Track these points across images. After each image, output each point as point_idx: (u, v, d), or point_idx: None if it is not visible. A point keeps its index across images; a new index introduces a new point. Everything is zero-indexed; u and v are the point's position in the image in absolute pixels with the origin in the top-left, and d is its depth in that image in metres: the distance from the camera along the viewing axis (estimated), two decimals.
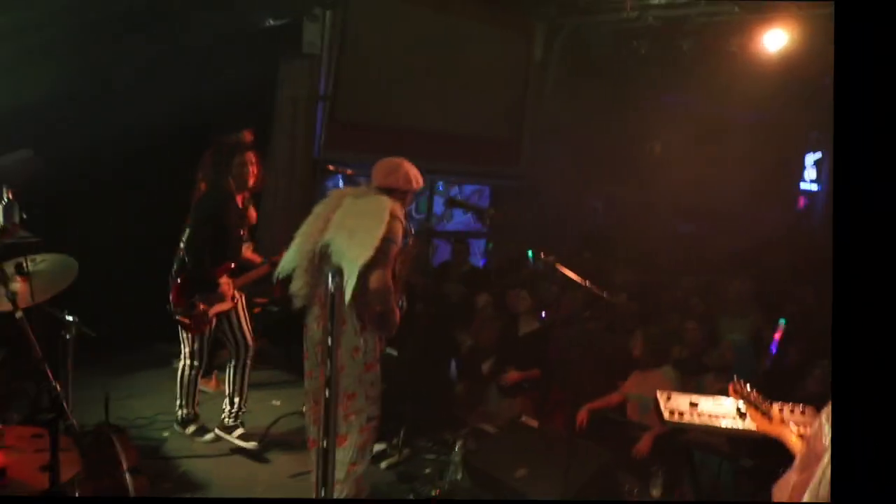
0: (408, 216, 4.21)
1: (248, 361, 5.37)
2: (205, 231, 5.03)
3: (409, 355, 5.81)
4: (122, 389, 5.82)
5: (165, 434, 5.39)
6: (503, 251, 9.60)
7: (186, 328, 5.17)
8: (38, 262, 3.46)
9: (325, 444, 2.31)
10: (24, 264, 3.32)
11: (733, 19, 8.19)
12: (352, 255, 3.84)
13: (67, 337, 3.81)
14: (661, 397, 3.70)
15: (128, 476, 3.46)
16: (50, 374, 2.48)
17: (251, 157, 5.17)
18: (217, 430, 5.31)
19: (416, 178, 4.28)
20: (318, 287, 4.15)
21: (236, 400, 5.35)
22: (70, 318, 3.83)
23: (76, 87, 5.69)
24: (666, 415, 3.63)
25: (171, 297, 5.11)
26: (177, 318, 5.11)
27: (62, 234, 4.36)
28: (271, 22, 6.85)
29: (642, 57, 9.23)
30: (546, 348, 6.08)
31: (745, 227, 10.53)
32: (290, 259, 4.17)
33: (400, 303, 4.20)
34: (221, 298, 5.14)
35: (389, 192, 4.15)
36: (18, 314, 2.71)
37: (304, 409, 5.77)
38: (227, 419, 5.34)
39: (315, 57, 7.43)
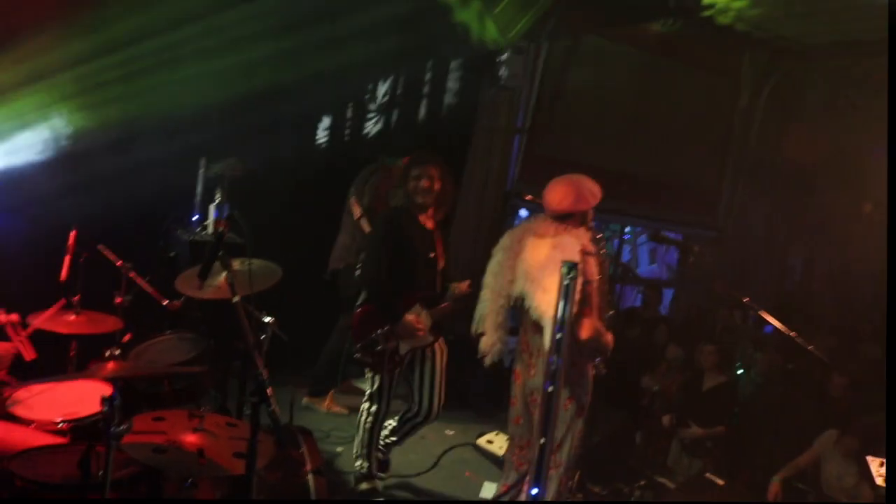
0: (593, 236, 3.96)
1: (423, 427, 4.72)
2: (380, 252, 4.47)
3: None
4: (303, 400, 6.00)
5: (339, 450, 5.45)
6: (691, 302, 9.15)
7: (369, 366, 4.53)
8: (246, 264, 3.53)
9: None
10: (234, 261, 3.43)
11: None
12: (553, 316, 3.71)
13: (262, 337, 3.90)
14: (873, 463, 3.42)
15: (311, 476, 3.50)
16: (259, 361, 2.52)
17: (429, 170, 4.49)
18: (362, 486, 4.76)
19: (592, 192, 3.98)
20: (525, 334, 4.06)
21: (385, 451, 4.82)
22: (268, 319, 3.91)
23: (283, 102, 5.96)
24: (879, 480, 3.33)
25: (352, 330, 4.61)
26: (356, 355, 4.51)
27: (263, 241, 4.56)
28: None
29: (858, 107, 8.59)
30: (731, 404, 5.73)
31: None
32: (483, 315, 4.09)
33: (607, 318, 4.01)
34: (410, 333, 4.44)
35: (567, 217, 3.95)
36: (235, 298, 2.79)
37: (477, 439, 5.77)
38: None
39: (516, 89, 7.45)
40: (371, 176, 5.94)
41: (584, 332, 3.76)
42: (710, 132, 9.04)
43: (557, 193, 3.97)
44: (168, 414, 3.09)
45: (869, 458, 3.39)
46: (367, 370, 4.58)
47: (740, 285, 8.79)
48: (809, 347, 4.43)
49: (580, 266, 3.66)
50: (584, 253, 3.80)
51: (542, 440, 2.12)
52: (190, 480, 3.01)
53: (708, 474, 5.26)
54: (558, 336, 2.07)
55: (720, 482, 5.08)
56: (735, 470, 5.47)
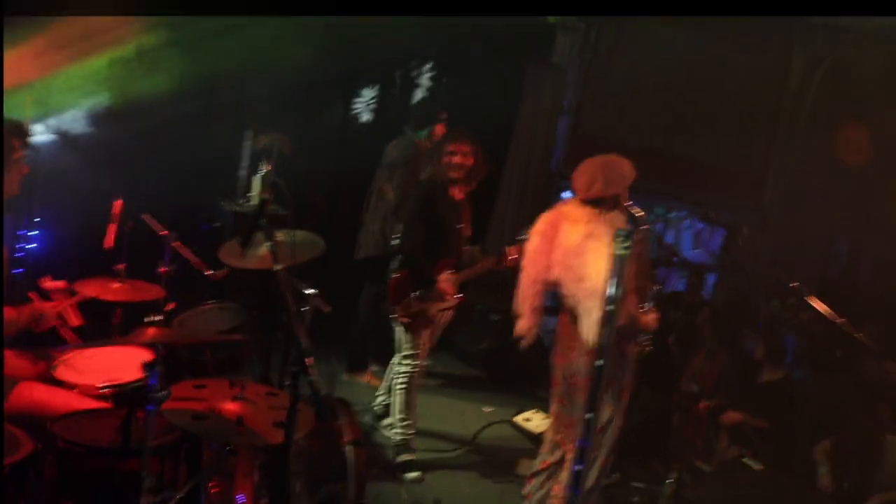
0: (629, 217, 3.83)
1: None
2: (417, 224, 4.80)
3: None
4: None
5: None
6: (733, 287, 8.99)
7: (407, 327, 4.83)
8: (289, 235, 3.52)
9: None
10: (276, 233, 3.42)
11: None
12: (589, 305, 3.72)
13: (304, 309, 3.91)
14: None
15: (349, 448, 3.51)
16: (300, 329, 2.52)
17: (463, 147, 4.77)
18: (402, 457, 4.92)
19: (622, 175, 3.88)
20: (566, 317, 4.03)
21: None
22: (310, 291, 3.91)
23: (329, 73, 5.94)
24: None
25: (388, 294, 4.90)
26: (393, 316, 4.85)
27: (307, 214, 4.56)
28: None
29: None
30: (787, 400, 5.59)
31: None
32: (520, 298, 4.06)
33: (652, 296, 3.96)
34: (441, 296, 4.80)
35: (598, 202, 3.87)
36: (277, 266, 2.79)
37: (515, 417, 5.76)
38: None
39: (562, 69, 7.35)
40: (404, 164, 5.83)
41: (620, 319, 3.70)
42: (758, 116, 8.82)
43: (586, 178, 3.90)
44: (209, 382, 3.12)
45: None
46: (401, 334, 4.87)
47: (782, 269, 8.61)
48: (858, 335, 4.30)
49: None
50: None
51: (589, 415, 2.08)
52: (229, 447, 3.03)
53: (745, 459, 5.17)
54: (609, 308, 2.02)
55: (759, 467, 5.00)
56: (775, 455, 5.36)
